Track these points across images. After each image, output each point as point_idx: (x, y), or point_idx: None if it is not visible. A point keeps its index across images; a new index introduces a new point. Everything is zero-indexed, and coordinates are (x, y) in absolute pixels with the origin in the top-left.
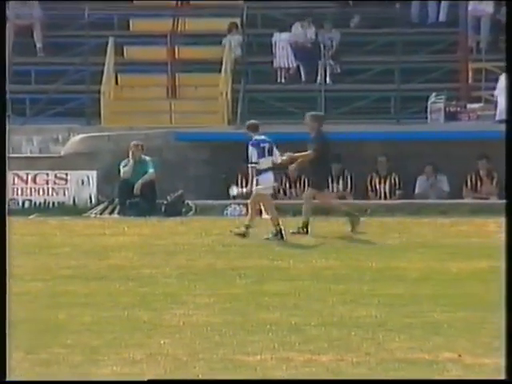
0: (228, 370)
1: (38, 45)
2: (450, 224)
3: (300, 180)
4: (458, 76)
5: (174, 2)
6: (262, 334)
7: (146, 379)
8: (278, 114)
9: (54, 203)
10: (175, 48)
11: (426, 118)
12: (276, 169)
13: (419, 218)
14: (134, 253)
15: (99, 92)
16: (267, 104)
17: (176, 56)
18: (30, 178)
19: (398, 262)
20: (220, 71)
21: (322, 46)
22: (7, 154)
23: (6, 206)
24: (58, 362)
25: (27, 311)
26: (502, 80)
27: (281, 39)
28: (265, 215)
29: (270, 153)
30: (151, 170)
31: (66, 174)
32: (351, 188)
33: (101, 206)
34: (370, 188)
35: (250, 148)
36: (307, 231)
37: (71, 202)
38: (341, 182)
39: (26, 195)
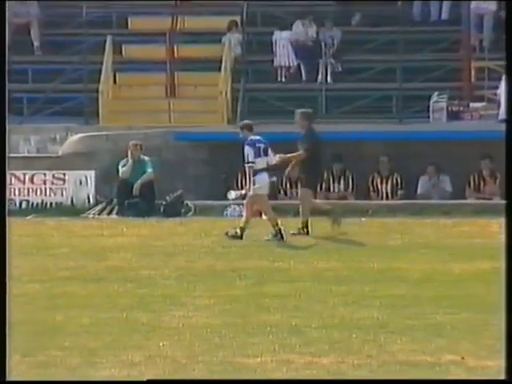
0: (228, 372)
1: (36, 43)
2: (452, 225)
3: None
4: (461, 75)
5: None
6: (263, 336)
7: (145, 379)
8: (279, 113)
9: (51, 204)
10: (174, 46)
11: (428, 117)
12: (271, 169)
13: (421, 219)
14: (133, 254)
15: (97, 91)
16: (267, 103)
17: (175, 55)
18: (27, 178)
19: (400, 263)
20: (220, 70)
21: (322, 44)
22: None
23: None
24: (56, 364)
25: (24, 313)
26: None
27: (281, 37)
28: (264, 216)
29: (266, 153)
30: (150, 170)
31: (64, 174)
32: (352, 188)
33: (99, 207)
34: (371, 188)
35: (246, 147)
36: (308, 232)
37: (69, 202)
38: (342, 182)
39: (24, 195)
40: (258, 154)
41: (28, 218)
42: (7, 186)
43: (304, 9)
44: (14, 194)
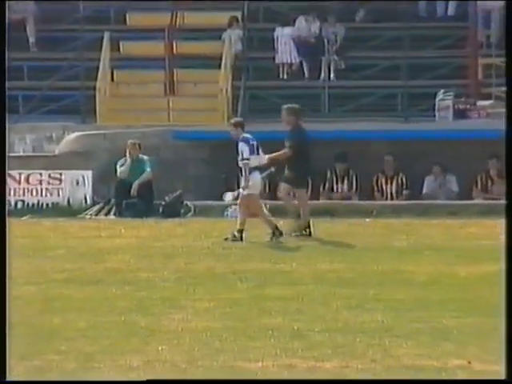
0: (229, 377)
1: (31, 39)
2: (459, 226)
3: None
4: (467, 72)
5: None
6: (264, 339)
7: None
8: (280, 111)
9: (47, 204)
10: (173, 43)
11: (434, 115)
12: (262, 169)
13: (427, 220)
14: (131, 255)
15: (94, 89)
16: (269, 101)
17: (174, 51)
18: (23, 177)
19: (405, 265)
20: (220, 67)
21: (325, 40)
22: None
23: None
24: (52, 369)
25: (20, 316)
26: None
27: (283, 34)
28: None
29: (258, 151)
30: (148, 170)
31: (61, 174)
32: (356, 188)
33: (96, 207)
34: (376, 188)
35: (241, 144)
36: (310, 233)
37: (66, 202)
38: (346, 182)
39: (19, 196)
40: (252, 151)
41: (24, 218)
42: None
43: (306, 4)
44: (10, 194)
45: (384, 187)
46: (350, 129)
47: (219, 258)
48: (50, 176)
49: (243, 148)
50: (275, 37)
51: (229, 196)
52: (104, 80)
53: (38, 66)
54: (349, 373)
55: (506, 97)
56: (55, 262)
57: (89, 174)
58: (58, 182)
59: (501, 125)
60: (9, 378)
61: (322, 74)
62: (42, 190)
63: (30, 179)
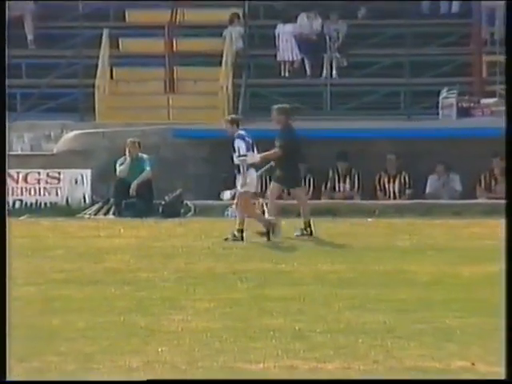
0: (229, 378)
1: (29, 37)
2: (462, 225)
3: (305, 180)
4: (471, 70)
5: None
6: (265, 340)
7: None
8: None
9: (46, 203)
10: (173, 40)
11: (438, 113)
12: (259, 166)
13: (430, 219)
14: (131, 255)
15: (93, 86)
16: (270, 99)
17: (174, 48)
18: (20, 176)
19: (408, 265)
20: (220, 64)
21: (327, 38)
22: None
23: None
24: (51, 370)
25: (19, 317)
26: None
27: (284, 31)
28: (268, 215)
29: (253, 149)
30: (148, 169)
31: (59, 173)
32: (358, 187)
33: (95, 207)
34: (378, 187)
35: (237, 141)
36: (311, 232)
37: (64, 202)
38: (348, 181)
39: (17, 195)
40: (248, 148)
41: (22, 218)
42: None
43: (308, 1)
44: (8, 194)
45: (387, 186)
46: (352, 127)
47: (219, 257)
48: (48, 175)
49: (240, 145)
50: (276, 34)
51: (227, 194)
52: (103, 78)
53: (37, 64)
54: (351, 374)
55: (505, 96)
56: (54, 262)
57: (88, 172)
58: (56, 181)
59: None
60: (8, 378)
61: (324, 72)
62: (40, 189)
63: (28, 178)
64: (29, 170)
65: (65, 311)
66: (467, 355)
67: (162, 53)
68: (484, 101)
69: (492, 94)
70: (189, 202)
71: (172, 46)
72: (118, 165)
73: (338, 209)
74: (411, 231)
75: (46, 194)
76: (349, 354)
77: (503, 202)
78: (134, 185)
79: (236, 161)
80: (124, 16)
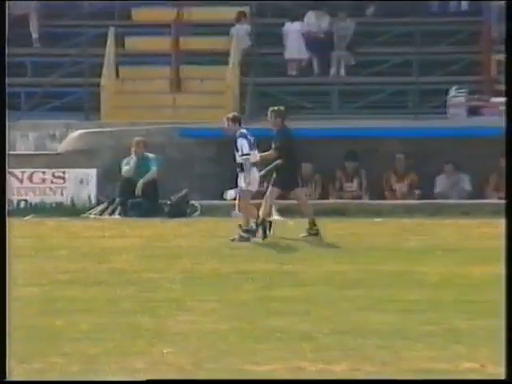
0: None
1: (34, 35)
2: (472, 225)
3: (312, 180)
4: (481, 68)
5: None
6: (272, 342)
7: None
8: (289, 108)
9: (51, 203)
10: (179, 38)
11: (447, 112)
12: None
13: (439, 219)
14: (136, 256)
15: (99, 85)
16: (277, 98)
17: (180, 47)
18: (25, 176)
19: (417, 266)
20: (227, 63)
21: (335, 36)
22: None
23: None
24: (55, 371)
25: (22, 317)
26: None
27: (292, 29)
28: (275, 216)
29: (254, 147)
30: (154, 169)
31: (64, 173)
32: (367, 187)
33: (101, 207)
34: (386, 187)
35: (240, 139)
36: (317, 231)
37: (69, 202)
38: (356, 181)
39: (22, 195)
40: (251, 147)
41: (26, 218)
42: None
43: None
44: (12, 194)
45: (395, 186)
46: (360, 126)
47: (226, 258)
48: (53, 175)
49: (243, 143)
50: (284, 32)
51: (230, 194)
52: (108, 76)
53: (41, 62)
54: (359, 375)
55: (505, 96)
56: (58, 263)
57: (93, 172)
58: (61, 181)
59: None
60: (9, 379)
61: (332, 70)
62: (45, 189)
63: (33, 178)
64: (33, 170)
65: (69, 312)
66: (476, 357)
67: (168, 51)
68: (493, 100)
69: (501, 93)
70: (195, 202)
71: (178, 44)
72: (123, 164)
73: (346, 209)
74: (420, 231)
75: (51, 193)
76: (356, 355)
77: None
78: (139, 184)
79: (239, 159)
80: (130, 14)
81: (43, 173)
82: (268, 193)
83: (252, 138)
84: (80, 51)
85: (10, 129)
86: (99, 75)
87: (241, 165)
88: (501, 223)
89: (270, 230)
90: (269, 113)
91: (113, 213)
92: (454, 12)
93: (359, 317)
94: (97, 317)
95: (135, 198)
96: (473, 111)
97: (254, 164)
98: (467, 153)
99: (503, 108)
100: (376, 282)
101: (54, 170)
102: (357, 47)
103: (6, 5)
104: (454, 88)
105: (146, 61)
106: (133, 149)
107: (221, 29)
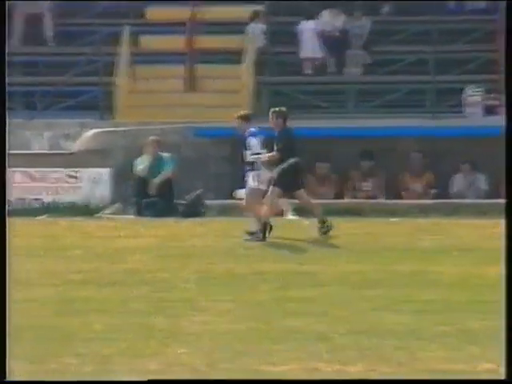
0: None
1: (48, 34)
2: (488, 225)
3: (325, 179)
4: (497, 67)
5: None
6: (288, 342)
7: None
8: (304, 107)
9: (64, 203)
10: (194, 37)
11: (463, 111)
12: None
13: (456, 219)
14: (150, 256)
15: (113, 84)
16: (292, 97)
17: (194, 46)
18: (39, 176)
19: (433, 266)
20: (242, 62)
21: (351, 34)
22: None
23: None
24: (68, 371)
25: (35, 318)
26: None
27: (307, 28)
28: (289, 216)
29: (264, 146)
30: (169, 168)
31: (78, 172)
32: (383, 187)
33: (115, 206)
34: (402, 187)
35: (249, 138)
36: (328, 228)
37: (83, 201)
38: (372, 180)
39: (35, 194)
40: (261, 146)
41: (40, 218)
42: (18, 185)
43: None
44: (26, 193)
45: (411, 186)
46: (376, 125)
47: (240, 258)
48: (67, 174)
49: (253, 142)
50: (299, 31)
51: (240, 193)
52: (123, 75)
53: (55, 61)
54: (375, 376)
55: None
56: (72, 263)
57: (107, 172)
58: (75, 181)
59: None
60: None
61: (348, 69)
62: (58, 188)
63: (47, 177)
64: (47, 169)
65: (82, 312)
66: (492, 357)
67: (183, 50)
68: None
69: None
70: (210, 202)
71: (192, 43)
72: (137, 163)
73: (361, 208)
74: (436, 231)
75: (65, 193)
76: (372, 355)
77: None
78: (153, 183)
79: (249, 158)
80: (144, 13)
81: (57, 172)
82: (269, 193)
83: (262, 137)
84: (94, 50)
85: (24, 128)
86: (114, 74)
87: (252, 163)
88: None
89: (269, 232)
90: (270, 114)
91: (127, 212)
92: (471, 10)
93: (375, 317)
94: (110, 317)
95: (149, 198)
96: (489, 110)
97: (262, 163)
98: (484, 152)
99: None
100: (392, 282)
101: (67, 170)
102: (372, 46)
103: (6, 5)
104: (470, 87)
105: (160, 60)
106: (147, 148)
107: (235, 27)
